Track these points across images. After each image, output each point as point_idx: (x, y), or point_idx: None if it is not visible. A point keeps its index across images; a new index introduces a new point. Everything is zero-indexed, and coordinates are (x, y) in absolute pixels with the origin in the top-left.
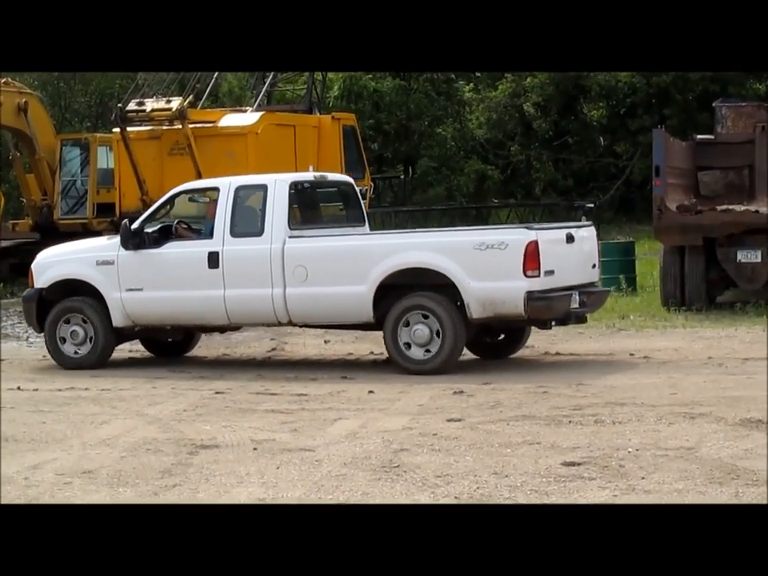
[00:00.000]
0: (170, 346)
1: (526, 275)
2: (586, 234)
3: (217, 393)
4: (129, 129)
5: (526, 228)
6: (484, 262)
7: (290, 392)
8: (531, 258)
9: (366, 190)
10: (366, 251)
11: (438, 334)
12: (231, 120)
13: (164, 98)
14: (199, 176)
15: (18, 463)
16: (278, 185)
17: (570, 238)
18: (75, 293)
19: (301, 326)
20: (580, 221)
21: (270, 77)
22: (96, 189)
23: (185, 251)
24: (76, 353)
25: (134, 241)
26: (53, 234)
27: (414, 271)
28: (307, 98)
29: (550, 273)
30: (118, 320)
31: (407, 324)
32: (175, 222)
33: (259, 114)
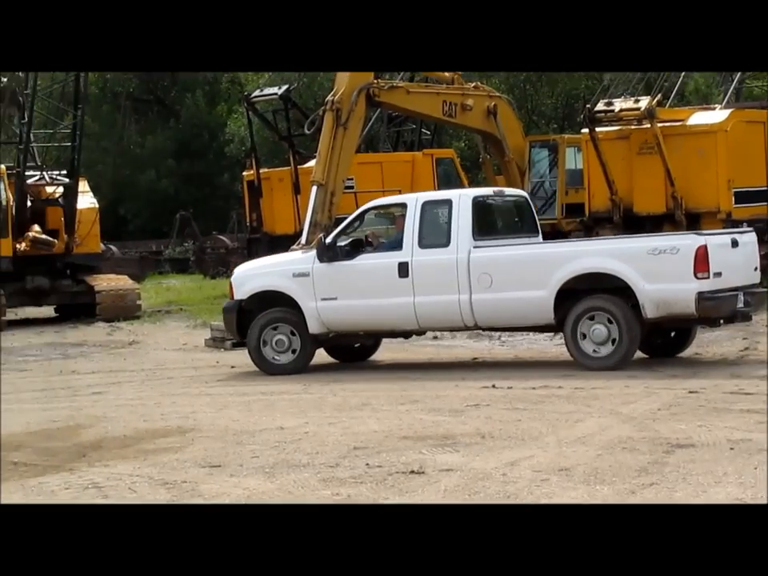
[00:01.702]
0: (354, 351)
1: (696, 277)
2: (748, 240)
3: (690, 392)
4: (597, 129)
5: (696, 234)
6: (657, 265)
7: (765, 392)
8: (701, 261)
9: None
10: (546, 258)
11: (615, 333)
12: (700, 118)
13: (632, 98)
14: (668, 175)
15: (496, 460)
16: (462, 199)
17: (734, 243)
18: (272, 304)
19: (485, 330)
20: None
21: (738, 73)
22: (564, 189)
23: (376, 262)
24: (278, 359)
25: (329, 254)
26: None
27: (592, 276)
28: None
29: (718, 275)
30: (313, 327)
31: (586, 324)
32: (367, 233)
33: (728, 111)
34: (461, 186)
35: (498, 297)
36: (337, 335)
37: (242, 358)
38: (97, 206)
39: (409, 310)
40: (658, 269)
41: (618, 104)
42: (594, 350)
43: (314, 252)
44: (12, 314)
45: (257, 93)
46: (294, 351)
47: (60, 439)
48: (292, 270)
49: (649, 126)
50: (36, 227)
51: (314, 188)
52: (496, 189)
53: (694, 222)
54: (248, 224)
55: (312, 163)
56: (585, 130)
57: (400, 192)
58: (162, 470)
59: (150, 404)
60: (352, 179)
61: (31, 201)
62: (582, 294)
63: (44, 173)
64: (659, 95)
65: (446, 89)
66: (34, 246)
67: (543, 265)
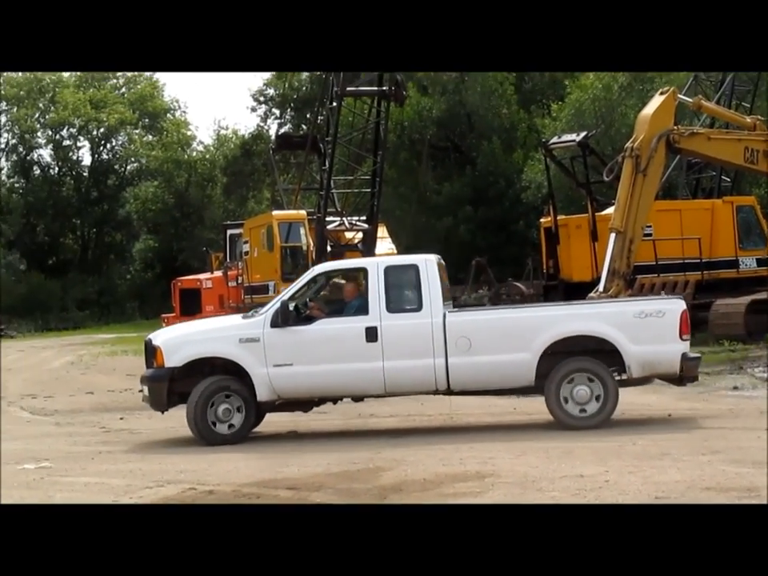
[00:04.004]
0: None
1: (681, 339)
2: None
3: None
4: None
5: (678, 298)
6: (643, 328)
7: None
8: (685, 324)
9: None
10: (531, 322)
11: (597, 394)
12: None
13: None
14: None
15: None
16: (428, 264)
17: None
18: (212, 371)
19: (456, 393)
20: None
21: None
22: None
23: (339, 327)
24: (221, 429)
25: (284, 318)
26: None
27: (578, 338)
28: None
29: (691, 337)
30: (263, 395)
31: (568, 385)
32: (308, 300)
33: None
34: (762, 234)
35: (477, 360)
36: (283, 403)
37: (537, 406)
38: (395, 251)
39: (377, 375)
40: (644, 331)
41: None
42: (575, 409)
43: (261, 317)
44: None
45: (555, 139)
46: (236, 420)
47: (361, 481)
48: (238, 335)
49: None
50: None
51: (613, 235)
52: (437, 255)
53: None
54: (544, 271)
55: (610, 210)
56: None
57: (699, 240)
58: None
59: (448, 448)
60: (650, 226)
61: (331, 246)
62: (564, 356)
63: (343, 218)
64: None
65: (748, 135)
66: (333, 291)
67: (528, 328)
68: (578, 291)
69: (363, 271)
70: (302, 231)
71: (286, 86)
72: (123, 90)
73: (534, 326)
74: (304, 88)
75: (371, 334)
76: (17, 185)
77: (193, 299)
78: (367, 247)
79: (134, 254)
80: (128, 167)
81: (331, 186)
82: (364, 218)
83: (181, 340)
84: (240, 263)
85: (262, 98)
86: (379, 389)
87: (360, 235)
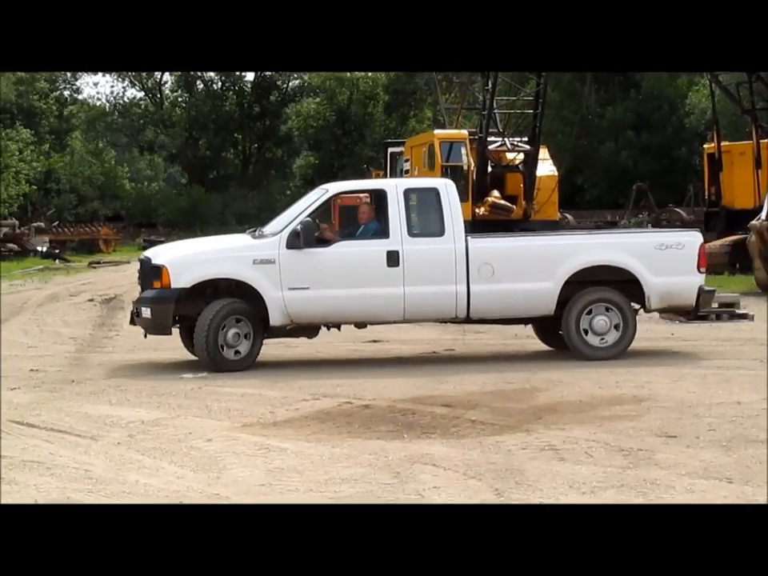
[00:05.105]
0: None
1: (699, 271)
2: None
3: None
4: None
5: (696, 231)
6: (664, 260)
7: None
8: (703, 257)
9: None
10: (555, 250)
11: (615, 323)
12: None
13: None
14: None
15: None
16: (449, 188)
17: None
18: (215, 294)
19: (474, 322)
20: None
21: None
22: None
23: (359, 250)
24: (236, 354)
25: (306, 239)
26: None
27: (600, 268)
28: None
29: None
30: (276, 319)
31: (587, 316)
32: (317, 222)
33: None
34: None
35: (499, 288)
36: (295, 327)
37: (696, 331)
38: (556, 173)
39: (397, 301)
40: (664, 263)
41: None
42: (594, 340)
43: (275, 238)
44: None
45: None
46: (244, 346)
47: (516, 400)
48: (252, 256)
49: None
50: (495, 192)
51: None
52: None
53: None
54: (706, 197)
55: None
56: None
57: None
58: (617, 436)
59: (604, 371)
60: None
61: (492, 166)
62: (584, 285)
63: (505, 139)
64: None
65: None
66: (493, 211)
67: (552, 256)
68: (739, 218)
69: (381, 193)
70: (464, 151)
71: None
72: None
73: (558, 254)
74: None
75: (393, 259)
76: (180, 99)
77: (352, 216)
78: (528, 168)
79: (295, 169)
80: (290, 83)
81: (493, 107)
82: (525, 139)
83: (190, 260)
84: None
85: None
86: (398, 315)
87: (521, 156)
